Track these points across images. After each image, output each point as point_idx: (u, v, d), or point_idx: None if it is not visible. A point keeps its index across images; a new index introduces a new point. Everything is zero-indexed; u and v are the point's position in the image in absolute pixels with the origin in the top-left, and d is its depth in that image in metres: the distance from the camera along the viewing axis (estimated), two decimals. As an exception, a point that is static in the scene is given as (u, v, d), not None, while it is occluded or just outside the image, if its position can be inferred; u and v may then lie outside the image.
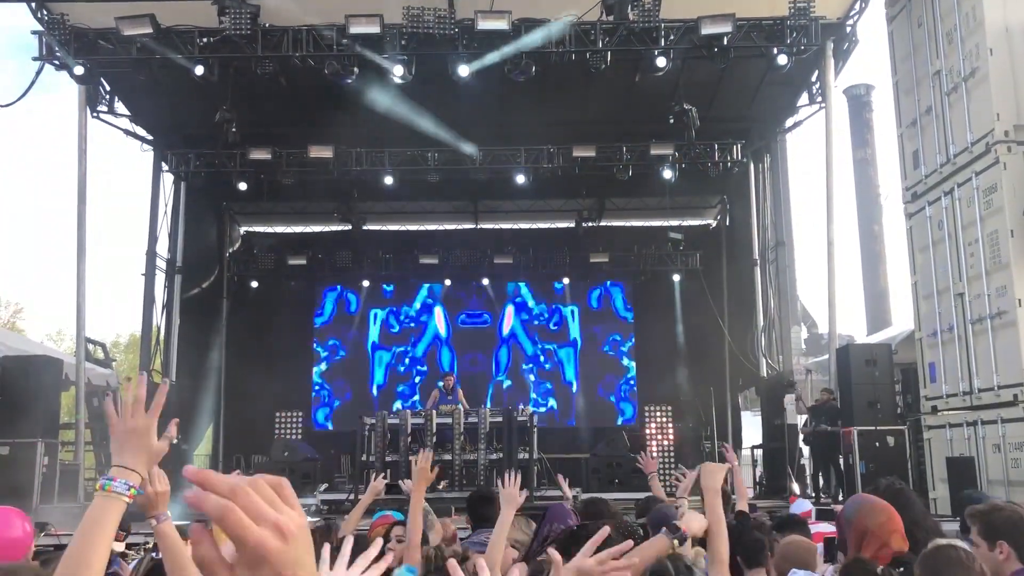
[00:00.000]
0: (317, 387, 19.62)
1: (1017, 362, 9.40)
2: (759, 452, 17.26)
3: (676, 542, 3.25)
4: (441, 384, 14.50)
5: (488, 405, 16.63)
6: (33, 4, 13.29)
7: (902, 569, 2.92)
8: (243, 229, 20.76)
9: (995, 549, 3.06)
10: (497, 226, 20.60)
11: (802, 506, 7.40)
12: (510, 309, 19.92)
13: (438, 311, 19.89)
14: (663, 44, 12.95)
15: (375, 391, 19.42)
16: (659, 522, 4.67)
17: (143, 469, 1.97)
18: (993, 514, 3.17)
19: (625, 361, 19.75)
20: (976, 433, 10.17)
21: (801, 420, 15.22)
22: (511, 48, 12.62)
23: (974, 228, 10.27)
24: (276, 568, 0.94)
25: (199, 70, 12.96)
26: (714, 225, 20.57)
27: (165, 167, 16.77)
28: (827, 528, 5.20)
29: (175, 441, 2.03)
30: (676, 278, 19.61)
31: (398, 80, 13.18)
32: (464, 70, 12.91)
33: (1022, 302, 9.44)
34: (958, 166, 10.67)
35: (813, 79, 15.02)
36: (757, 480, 17.14)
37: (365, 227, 20.47)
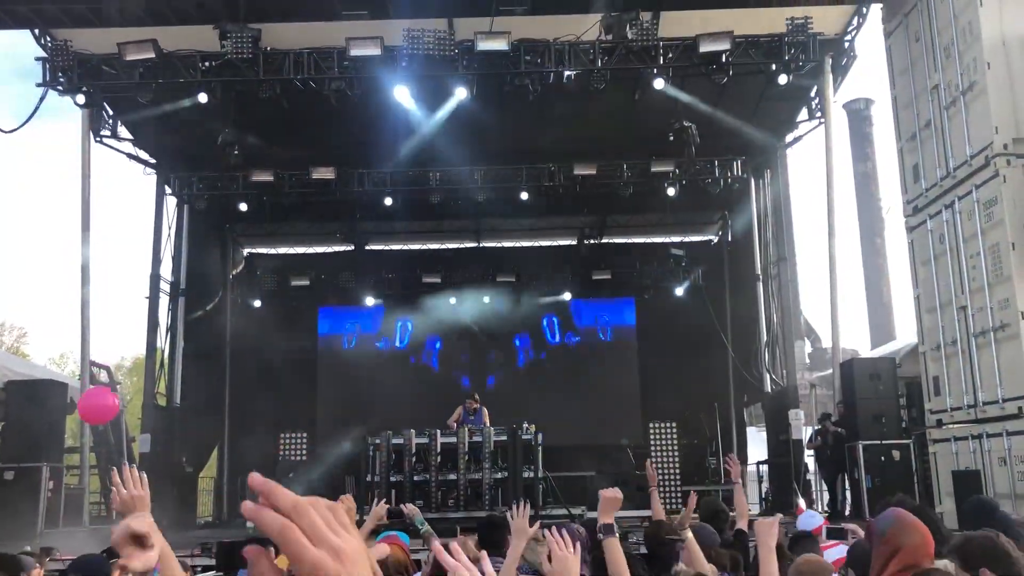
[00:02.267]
0: (321, 407, 19.60)
1: (1021, 374, 9.38)
2: (764, 468, 17.21)
3: None
4: (466, 404, 14.39)
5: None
6: (36, 31, 13.42)
7: None
8: (246, 251, 20.81)
9: None
10: (499, 244, 20.66)
11: (812, 521, 7.06)
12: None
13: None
14: (662, 62, 13.03)
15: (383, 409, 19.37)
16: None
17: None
18: (967, 544, 3.18)
19: (629, 378, 19.70)
20: (981, 446, 10.13)
21: (807, 434, 15.18)
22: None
23: (975, 241, 10.27)
24: None
25: (203, 98, 13.08)
26: (716, 241, 20.60)
27: (168, 190, 16.86)
28: (842, 552, 4.98)
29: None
30: (679, 294, 19.62)
31: (398, 101, 13.27)
32: (463, 91, 13.00)
33: (1025, 315, 9.43)
34: (958, 179, 10.68)
35: (812, 94, 15.07)
36: (763, 496, 17.08)
37: (368, 247, 20.56)
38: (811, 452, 14.88)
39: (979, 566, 3.04)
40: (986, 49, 10.07)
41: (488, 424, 13.37)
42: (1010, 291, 9.61)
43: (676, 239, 20.13)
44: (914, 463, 12.29)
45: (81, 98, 13.24)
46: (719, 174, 16.41)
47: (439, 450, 12.55)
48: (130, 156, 16.31)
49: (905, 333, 23.66)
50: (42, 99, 13.47)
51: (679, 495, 16.99)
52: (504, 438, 12.63)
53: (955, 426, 10.88)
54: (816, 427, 14.66)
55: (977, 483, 9.70)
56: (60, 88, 13.32)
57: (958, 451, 10.68)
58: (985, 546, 3.13)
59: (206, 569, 8.10)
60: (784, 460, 15.35)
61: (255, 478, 0.94)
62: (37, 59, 13.32)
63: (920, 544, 2.97)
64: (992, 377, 9.94)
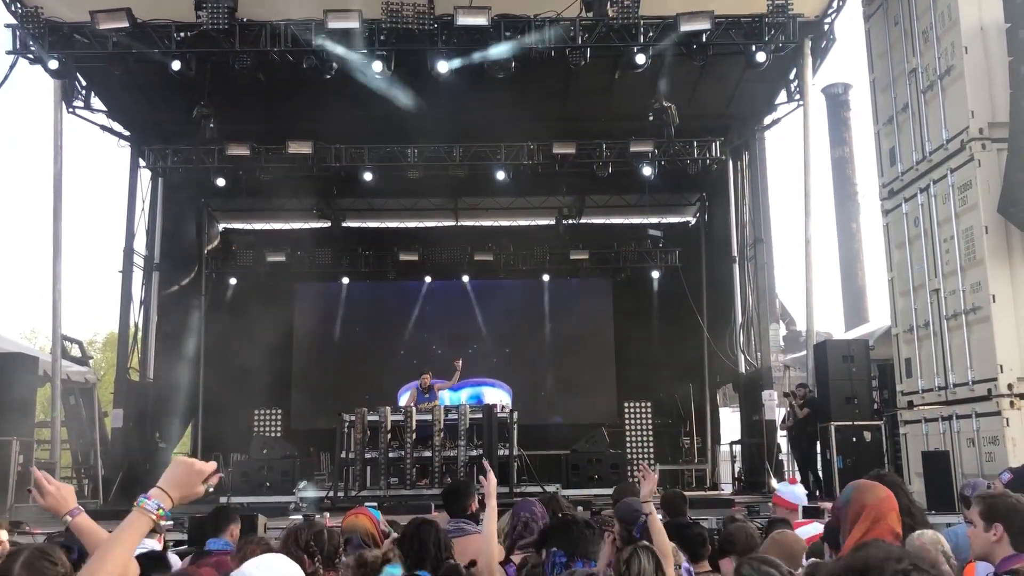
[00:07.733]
0: (296, 384, 19.53)
1: (991, 357, 9.50)
2: (737, 448, 17.36)
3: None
4: (419, 383, 14.43)
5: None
6: (7, -3, 13.14)
7: None
8: (221, 226, 20.61)
9: (990, 530, 3.30)
10: (477, 223, 20.59)
11: (795, 495, 6.33)
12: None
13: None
14: (642, 41, 12.98)
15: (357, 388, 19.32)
16: (626, 515, 4.76)
17: (177, 498, 2.25)
18: (997, 499, 3.45)
19: (605, 357, 19.75)
20: (951, 428, 10.27)
21: (780, 415, 15.31)
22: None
23: (949, 225, 10.37)
24: None
25: (176, 65, 12.87)
26: (693, 222, 20.66)
27: (142, 163, 16.62)
28: (817, 529, 5.00)
29: (211, 490, 2.21)
30: (656, 275, 19.69)
31: (377, 76, 13.14)
32: (443, 66, 12.90)
33: (996, 298, 9.53)
34: (934, 163, 10.76)
35: (791, 77, 15.09)
36: (736, 476, 17.24)
37: (344, 224, 20.42)
38: (784, 432, 15.03)
39: (997, 520, 3.30)
40: (964, 34, 10.12)
41: (441, 398, 13.49)
42: (982, 274, 9.71)
43: (654, 220, 20.15)
44: (885, 444, 12.45)
45: (53, 64, 12.99)
46: (697, 155, 16.41)
47: (414, 427, 12.56)
48: (103, 128, 16.07)
49: (879, 316, 23.93)
50: (12, 67, 13.24)
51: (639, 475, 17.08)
52: (479, 416, 12.66)
53: (926, 407, 11.01)
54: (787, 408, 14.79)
55: (946, 464, 9.82)
56: (31, 56, 13.08)
57: (928, 432, 10.82)
58: (1009, 504, 3.36)
59: (178, 544, 8.06)
60: (757, 441, 15.49)
61: None
62: (7, 26, 13.07)
63: (885, 497, 3.06)
64: (963, 359, 10.07)
